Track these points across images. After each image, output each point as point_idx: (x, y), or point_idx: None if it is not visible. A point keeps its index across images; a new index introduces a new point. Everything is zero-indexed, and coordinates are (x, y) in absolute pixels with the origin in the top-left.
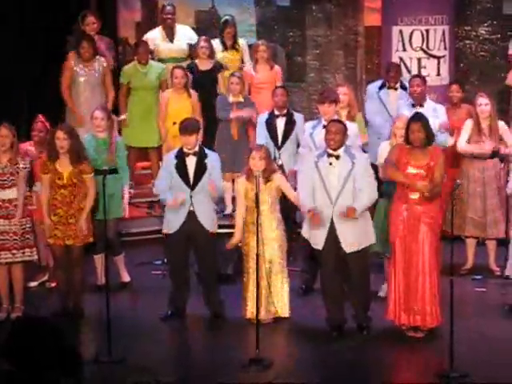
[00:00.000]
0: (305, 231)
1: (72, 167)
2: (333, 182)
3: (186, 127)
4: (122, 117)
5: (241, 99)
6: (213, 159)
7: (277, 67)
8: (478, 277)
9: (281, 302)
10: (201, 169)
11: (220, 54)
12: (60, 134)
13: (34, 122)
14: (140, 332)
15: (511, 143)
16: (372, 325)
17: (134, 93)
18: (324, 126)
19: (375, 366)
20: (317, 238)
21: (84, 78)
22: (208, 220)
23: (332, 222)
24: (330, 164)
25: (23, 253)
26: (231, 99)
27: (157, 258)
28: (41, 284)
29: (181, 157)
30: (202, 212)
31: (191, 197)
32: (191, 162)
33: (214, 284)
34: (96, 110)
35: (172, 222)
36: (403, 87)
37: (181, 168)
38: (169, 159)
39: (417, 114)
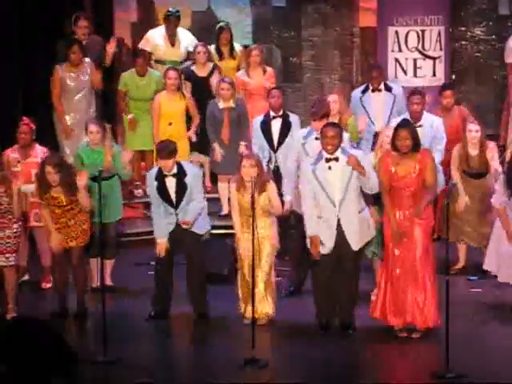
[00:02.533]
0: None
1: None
2: (333, 184)
3: (163, 151)
4: (130, 116)
5: (232, 105)
6: (192, 176)
7: (269, 69)
8: (474, 278)
9: (261, 306)
10: (182, 188)
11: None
12: (49, 168)
13: (18, 124)
14: (135, 332)
15: (496, 168)
16: (355, 323)
17: (130, 101)
18: (316, 138)
19: (371, 366)
20: (326, 243)
21: (74, 83)
22: (196, 225)
23: (339, 225)
24: (329, 168)
25: (6, 258)
26: (222, 105)
27: (153, 258)
28: (35, 284)
29: (161, 178)
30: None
31: (176, 214)
32: (171, 183)
33: (202, 284)
34: (90, 123)
35: (160, 229)
36: (388, 89)
37: (162, 190)
38: (150, 181)
39: (404, 120)
